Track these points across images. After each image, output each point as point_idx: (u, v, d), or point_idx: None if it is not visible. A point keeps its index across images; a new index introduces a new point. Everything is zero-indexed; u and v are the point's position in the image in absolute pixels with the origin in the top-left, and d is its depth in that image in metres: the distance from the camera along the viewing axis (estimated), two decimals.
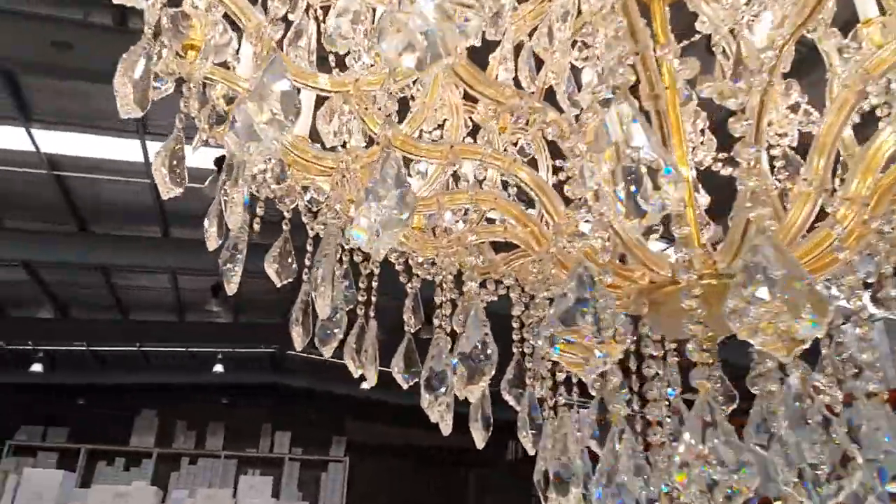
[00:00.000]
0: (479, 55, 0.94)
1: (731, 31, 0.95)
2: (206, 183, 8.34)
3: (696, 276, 0.75)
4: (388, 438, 15.93)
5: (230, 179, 0.87)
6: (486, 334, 0.88)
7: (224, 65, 1.33)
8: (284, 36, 1.13)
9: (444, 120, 1.23)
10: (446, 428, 1.01)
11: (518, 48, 1.03)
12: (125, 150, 8.27)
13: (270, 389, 15.44)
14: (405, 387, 1.12)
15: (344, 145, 1.44)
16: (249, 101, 0.71)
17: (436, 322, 1.03)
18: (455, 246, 0.99)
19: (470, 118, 1.14)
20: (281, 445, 14.84)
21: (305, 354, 14.34)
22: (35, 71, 6.32)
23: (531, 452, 1.07)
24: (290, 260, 1.29)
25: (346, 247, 1.14)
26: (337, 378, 15.42)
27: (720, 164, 1.12)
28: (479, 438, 1.09)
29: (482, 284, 1.05)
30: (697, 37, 1.10)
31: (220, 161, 8.58)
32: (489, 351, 0.87)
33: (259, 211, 1.25)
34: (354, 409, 15.43)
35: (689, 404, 0.72)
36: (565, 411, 1.03)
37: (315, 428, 15.06)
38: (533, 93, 0.97)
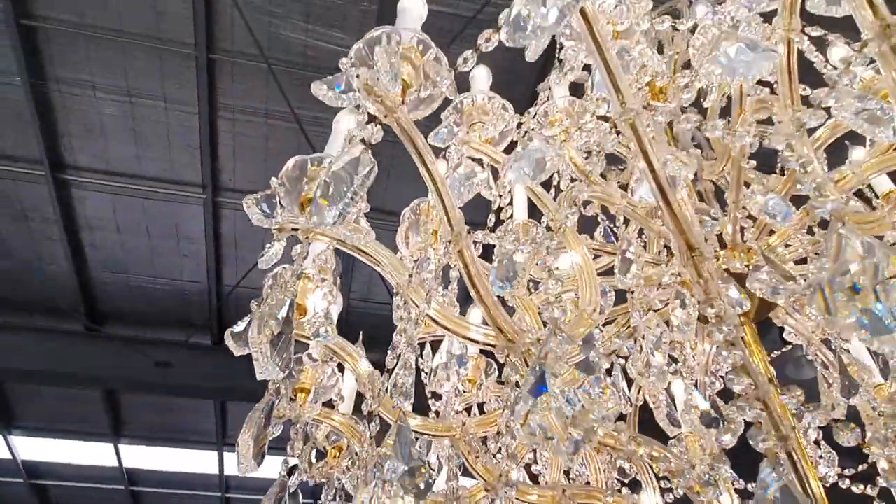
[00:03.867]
0: None
1: (825, 341, 1.00)
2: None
3: None
4: None
5: None
6: None
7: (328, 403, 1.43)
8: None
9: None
10: None
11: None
12: (202, 462, 8.38)
13: None
14: None
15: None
16: (383, 466, 0.74)
17: None
18: None
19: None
20: None
21: None
22: (136, 389, 6.79)
23: None
24: None
25: None
26: None
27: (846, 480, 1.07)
28: None
29: None
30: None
31: (289, 472, 8.52)
32: None
33: None
34: None
35: None
36: None
37: None
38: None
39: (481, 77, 1.32)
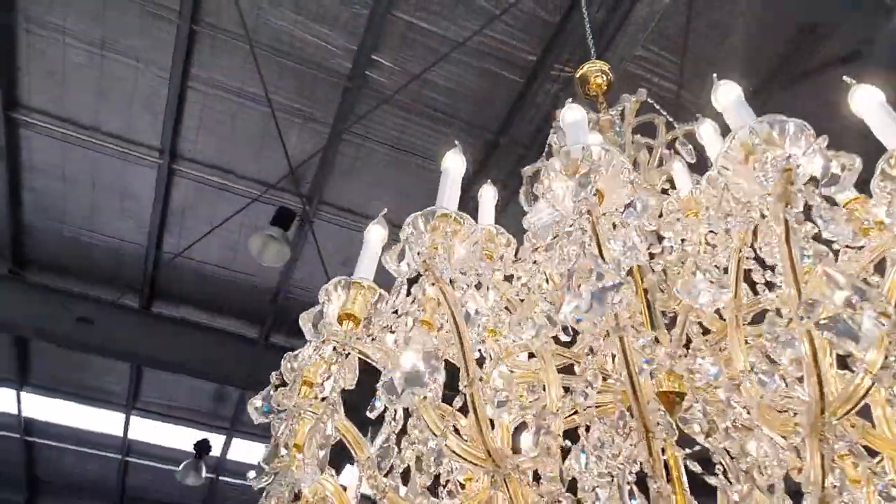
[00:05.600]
0: None
1: None
2: (181, 467, 8.08)
3: None
4: None
5: None
6: None
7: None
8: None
9: None
10: None
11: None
12: (107, 422, 8.17)
13: None
14: None
15: None
16: None
17: None
18: None
19: None
20: None
21: None
22: (52, 340, 6.55)
23: None
24: None
25: None
26: None
27: None
28: None
29: None
30: None
31: (199, 445, 8.41)
32: None
33: None
34: None
35: None
36: None
37: None
38: None
39: (488, 197, 1.41)
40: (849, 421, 0.79)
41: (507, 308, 1.14)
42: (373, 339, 1.16)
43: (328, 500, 1.19)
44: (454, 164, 1.28)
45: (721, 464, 1.29)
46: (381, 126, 5.44)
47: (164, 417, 8.11)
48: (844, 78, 1.03)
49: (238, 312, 6.94)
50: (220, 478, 8.89)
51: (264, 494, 1.09)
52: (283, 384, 1.22)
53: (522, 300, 1.11)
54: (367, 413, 1.19)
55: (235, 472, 8.86)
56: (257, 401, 1.22)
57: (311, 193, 5.90)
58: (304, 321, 1.17)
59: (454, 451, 0.93)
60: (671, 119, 1.65)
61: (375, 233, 1.34)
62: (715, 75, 1.13)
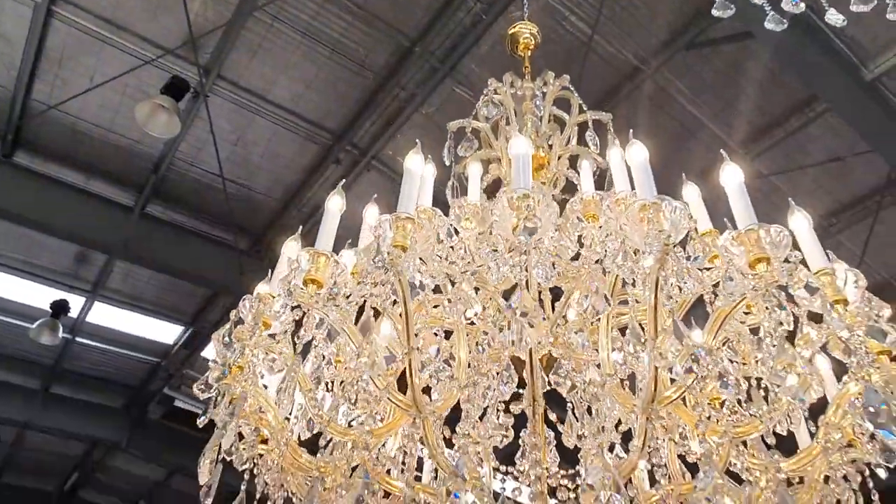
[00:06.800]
0: None
1: None
2: (35, 325, 7.79)
3: None
4: None
5: None
6: None
7: None
8: None
9: None
10: None
11: None
12: None
13: None
14: None
15: None
16: None
17: None
18: None
19: None
20: None
21: None
22: None
23: None
24: None
25: None
26: None
27: None
28: None
29: None
30: None
31: (56, 305, 8.09)
32: None
33: None
34: None
35: None
36: None
37: None
38: None
39: (427, 175, 1.53)
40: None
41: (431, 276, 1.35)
42: (336, 305, 1.32)
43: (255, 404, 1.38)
44: (415, 164, 1.40)
45: (571, 402, 1.63)
46: (294, 9, 5.19)
47: (19, 273, 7.68)
48: (721, 151, 1.27)
49: (114, 177, 6.58)
50: (77, 339, 8.68)
51: (230, 412, 1.25)
52: (240, 321, 1.37)
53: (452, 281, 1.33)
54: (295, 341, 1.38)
55: (94, 335, 8.68)
56: (221, 332, 1.36)
57: (210, 66, 5.59)
58: (278, 284, 1.31)
59: (391, 400, 1.17)
60: (584, 106, 1.85)
61: (335, 203, 1.46)
62: (631, 131, 1.33)
